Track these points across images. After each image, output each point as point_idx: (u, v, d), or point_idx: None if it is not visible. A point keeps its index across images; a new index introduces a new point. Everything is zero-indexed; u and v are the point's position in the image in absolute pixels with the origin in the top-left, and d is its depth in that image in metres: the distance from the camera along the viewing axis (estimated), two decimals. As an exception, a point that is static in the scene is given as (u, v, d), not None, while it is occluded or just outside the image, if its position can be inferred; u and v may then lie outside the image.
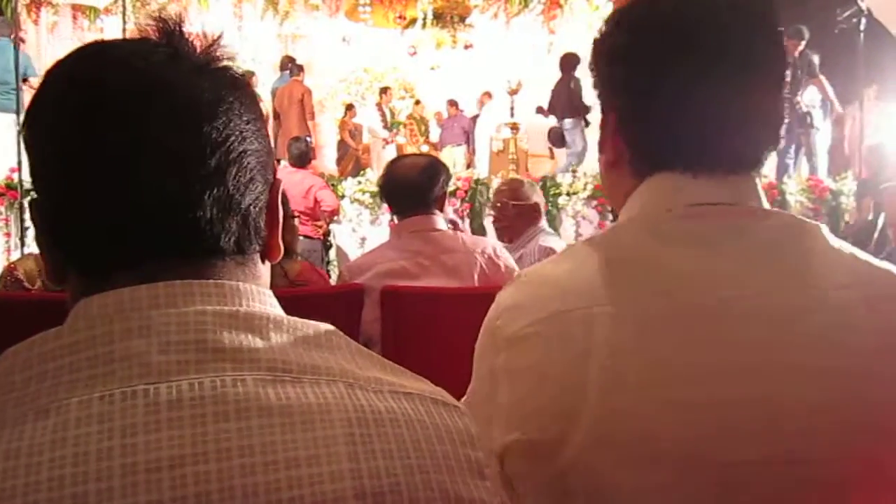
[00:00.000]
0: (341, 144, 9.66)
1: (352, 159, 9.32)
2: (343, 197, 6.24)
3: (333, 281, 3.92)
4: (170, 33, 0.57)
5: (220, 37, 0.59)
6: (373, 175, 6.97)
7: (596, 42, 0.81)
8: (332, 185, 6.08)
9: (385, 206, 6.24)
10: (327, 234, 5.81)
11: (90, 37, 8.33)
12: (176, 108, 0.54)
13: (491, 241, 2.52)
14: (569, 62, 7.46)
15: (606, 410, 0.65)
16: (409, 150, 9.91)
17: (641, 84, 0.75)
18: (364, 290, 2.19)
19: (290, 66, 8.35)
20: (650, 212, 0.75)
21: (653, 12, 0.76)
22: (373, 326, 2.15)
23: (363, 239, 6.30)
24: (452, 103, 10.10)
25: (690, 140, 0.74)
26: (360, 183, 6.46)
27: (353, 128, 9.64)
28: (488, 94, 9.81)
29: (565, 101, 7.37)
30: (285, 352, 0.51)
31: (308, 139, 5.83)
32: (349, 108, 9.94)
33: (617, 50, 0.78)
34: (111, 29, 8.05)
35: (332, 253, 6.05)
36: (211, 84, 0.56)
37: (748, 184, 0.75)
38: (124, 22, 5.66)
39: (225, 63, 0.58)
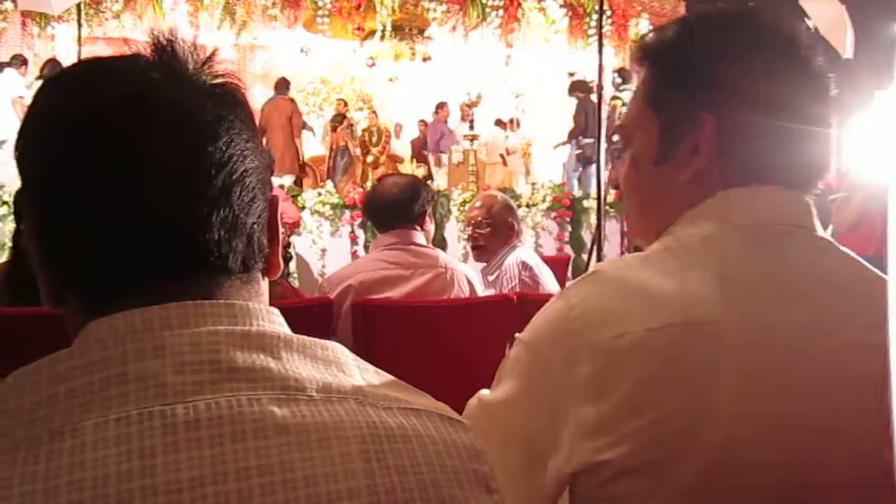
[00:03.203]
0: (335, 153, 9.16)
1: (355, 169, 8.90)
2: (303, 209, 6.20)
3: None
4: (162, 49, 0.56)
5: (215, 52, 0.58)
6: (332, 186, 6.94)
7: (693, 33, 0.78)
8: (293, 196, 6.04)
9: (346, 217, 6.23)
10: (287, 245, 5.76)
11: (40, 44, 8.12)
12: (180, 127, 0.53)
13: (468, 267, 2.50)
14: (580, 88, 7.68)
15: (735, 432, 0.63)
16: (367, 160, 9.89)
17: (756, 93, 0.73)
18: (333, 304, 2.19)
19: (278, 83, 8.35)
20: (755, 223, 0.72)
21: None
22: (349, 336, 2.14)
23: (323, 250, 6.27)
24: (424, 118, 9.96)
25: (786, 158, 0.74)
26: (319, 195, 6.42)
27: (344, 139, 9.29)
28: (468, 106, 9.80)
29: (592, 125, 7.40)
30: (297, 370, 0.52)
31: (271, 152, 5.76)
32: (342, 116, 9.50)
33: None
34: (63, 36, 7.83)
35: (293, 265, 6.00)
36: (212, 103, 0.55)
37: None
38: (79, 28, 5.46)
39: (222, 80, 0.58)
